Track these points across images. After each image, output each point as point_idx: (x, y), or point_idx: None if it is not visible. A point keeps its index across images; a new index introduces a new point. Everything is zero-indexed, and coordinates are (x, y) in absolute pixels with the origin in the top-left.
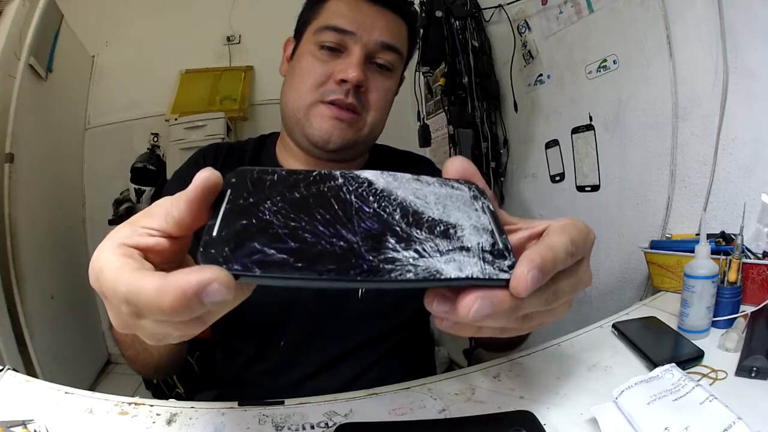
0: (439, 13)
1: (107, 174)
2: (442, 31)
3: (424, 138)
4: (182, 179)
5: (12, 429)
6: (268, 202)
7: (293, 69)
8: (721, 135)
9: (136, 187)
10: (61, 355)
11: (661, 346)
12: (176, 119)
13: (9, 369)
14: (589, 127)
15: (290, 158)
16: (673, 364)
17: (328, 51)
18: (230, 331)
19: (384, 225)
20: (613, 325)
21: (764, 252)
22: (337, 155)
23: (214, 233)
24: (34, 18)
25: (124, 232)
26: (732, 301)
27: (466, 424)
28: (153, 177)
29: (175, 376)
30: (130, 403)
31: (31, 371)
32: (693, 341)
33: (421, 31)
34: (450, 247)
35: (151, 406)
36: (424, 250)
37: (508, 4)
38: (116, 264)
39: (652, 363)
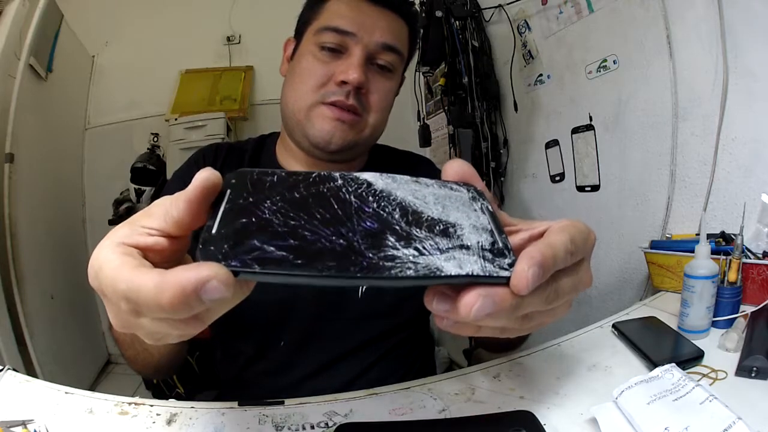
0: (439, 13)
1: (107, 174)
2: (442, 31)
3: (424, 138)
4: (182, 179)
5: (12, 429)
6: (268, 201)
7: (293, 69)
8: (721, 135)
9: (136, 187)
10: (61, 355)
11: (661, 346)
12: (176, 119)
13: (9, 369)
14: (589, 127)
15: (290, 158)
16: (673, 364)
17: (328, 52)
18: (230, 331)
19: (383, 224)
20: (613, 325)
21: (764, 252)
22: (337, 156)
23: (213, 231)
24: (34, 18)
25: (123, 231)
26: (732, 301)
27: (466, 424)
28: (153, 177)
29: (175, 376)
30: (130, 403)
31: (31, 371)
32: (693, 341)
33: (421, 31)
34: (450, 246)
35: (151, 406)
36: (424, 248)
37: (508, 4)
38: (115, 262)
39: (652, 363)
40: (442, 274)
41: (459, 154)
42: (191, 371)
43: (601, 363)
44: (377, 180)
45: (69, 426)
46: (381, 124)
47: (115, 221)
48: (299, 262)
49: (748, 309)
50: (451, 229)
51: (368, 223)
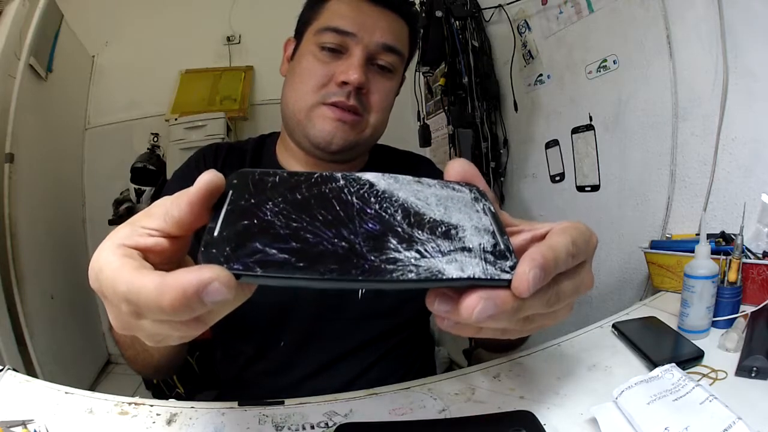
0: (439, 13)
1: (107, 174)
2: (442, 31)
3: (424, 138)
4: (182, 179)
5: (12, 429)
6: (270, 203)
7: (294, 70)
8: (721, 135)
9: (136, 187)
10: (61, 355)
11: (661, 346)
12: (176, 119)
13: (9, 369)
14: (589, 127)
15: (290, 158)
16: (673, 364)
17: (329, 52)
18: (230, 332)
19: (385, 226)
20: (613, 325)
21: (764, 252)
22: (338, 156)
23: (215, 233)
24: (34, 18)
25: (123, 232)
26: (732, 301)
27: (466, 424)
28: (153, 177)
29: (175, 376)
30: (130, 403)
31: (31, 371)
32: (693, 341)
33: (421, 31)
34: (452, 248)
35: (151, 406)
36: (426, 250)
37: (508, 4)
38: (116, 264)
39: (652, 363)
40: (444, 277)
41: (459, 154)
42: (191, 371)
43: (601, 363)
44: (379, 180)
45: (69, 426)
46: (382, 124)
47: (115, 221)
48: (301, 265)
49: (748, 309)
50: (453, 231)
51: (370, 225)
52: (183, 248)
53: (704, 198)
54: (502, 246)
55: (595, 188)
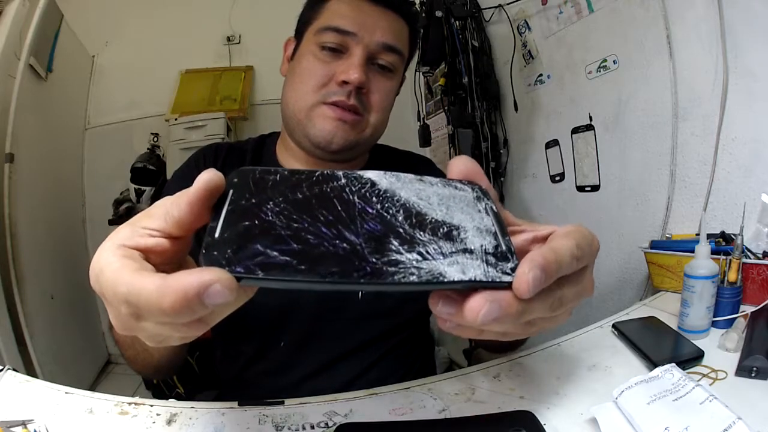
0: (439, 13)
1: (107, 174)
2: (442, 31)
3: (424, 138)
4: (182, 179)
5: (12, 429)
6: (271, 202)
7: (294, 69)
8: (721, 135)
9: (136, 187)
10: (61, 355)
11: (661, 346)
12: (176, 119)
13: (9, 369)
14: (589, 127)
15: (291, 158)
16: (673, 364)
17: (329, 52)
18: (231, 332)
19: (387, 226)
20: (613, 325)
21: (764, 252)
22: (338, 156)
23: (216, 235)
24: (34, 18)
25: (124, 233)
26: (732, 301)
27: (466, 424)
28: (153, 177)
29: (175, 376)
30: (130, 403)
31: (31, 371)
32: (693, 341)
33: (421, 31)
34: (453, 250)
35: (151, 406)
36: (428, 252)
37: (508, 4)
38: (116, 265)
39: (652, 363)
40: (445, 280)
41: (459, 154)
42: (191, 371)
43: (601, 363)
44: (381, 179)
45: (69, 426)
46: (382, 123)
47: (115, 221)
48: (302, 267)
49: (748, 309)
50: (454, 232)
51: (372, 226)
52: (184, 249)
53: (704, 198)
54: (504, 247)
55: (595, 188)
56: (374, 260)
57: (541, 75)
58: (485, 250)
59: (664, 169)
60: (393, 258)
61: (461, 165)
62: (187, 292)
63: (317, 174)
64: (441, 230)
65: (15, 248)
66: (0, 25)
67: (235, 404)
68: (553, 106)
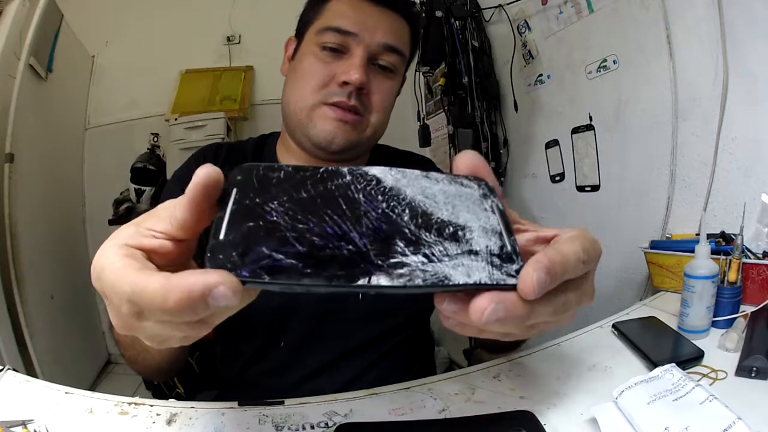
0: (439, 13)
1: (107, 174)
2: (442, 31)
3: (424, 138)
4: (182, 179)
5: (12, 429)
6: (275, 202)
7: (295, 69)
8: (721, 135)
9: (136, 187)
10: (61, 355)
11: (661, 346)
12: (176, 119)
13: (9, 369)
14: (589, 127)
15: (291, 158)
16: (673, 364)
17: (330, 52)
18: (231, 332)
19: (393, 227)
20: (613, 325)
21: (764, 252)
22: (339, 156)
23: (221, 236)
24: (34, 18)
25: (127, 232)
26: (732, 301)
27: (466, 424)
28: (153, 177)
29: (175, 376)
30: (130, 403)
31: (31, 371)
32: (693, 341)
33: (422, 31)
34: (458, 251)
35: (151, 406)
36: (433, 254)
37: (508, 4)
38: (119, 264)
39: (652, 363)
40: (450, 283)
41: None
42: (191, 371)
43: (601, 363)
44: (386, 176)
45: (69, 426)
46: (383, 124)
47: (115, 221)
48: (308, 271)
49: (748, 309)
50: (460, 232)
51: (377, 226)
52: (188, 252)
53: (704, 198)
54: (509, 248)
55: (595, 188)
56: (380, 263)
57: (541, 75)
58: (490, 251)
59: (664, 169)
60: (398, 260)
61: (467, 160)
62: (191, 291)
63: (322, 170)
64: (447, 230)
65: (15, 248)
66: (0, 25)
67: (235, 404)
68: (553, 106)
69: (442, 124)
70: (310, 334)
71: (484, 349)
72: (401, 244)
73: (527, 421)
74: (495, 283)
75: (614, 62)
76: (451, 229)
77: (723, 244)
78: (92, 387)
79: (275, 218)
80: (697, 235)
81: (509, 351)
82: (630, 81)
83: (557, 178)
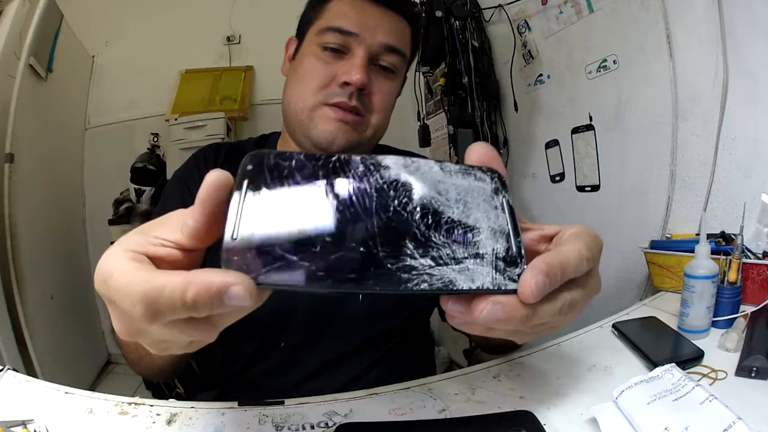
0: (439, 13)
1: (107, 174)
2: (442, 31)
3: (424, 138)
4: (182, 179)
5: (12, 429)
6: (288, 197)
7: (296, 69)
8: (721, 135)
9: (136, 187)
10: (61, 355)
11: (661, 346)
12: (176, 119)
13: (9, 369)
14: (589, 127)
15: None
16: (673, 364)
17: (331, 52)
18: (231, 332)
19: (403, 226)
20: (613, 325)
21: (764, 252)
22: None
23: (235, 234)
24: (34, 18)
25: (134, 240)
26: (732, 301)
27: (466, 424)
28: (153, 177)
29: None
30: (130, 403)
31: (31, 371)
32: (693, 341)
33: (422, 31)
34: (465, 255)
35: (151, 406)
36: (440, 257)
37: (508, 4)
38: (128, 267)
39: (652, 363)
40: (455, 288)
41: (459, 154)
42: (191, 371)
43: (601, 363)
44: (399, 169)
45: (69, 426)
46: (383, 124)
47: (115, 221)
48: (321, 274)
49: (748, 309)
50: (468, 234)
51: (388, 225)
52: (195, 263)
53: (704, 198)
54: (515, 250)
55: (595, 188)
56: (389, 265)
57: (541, 75)
58: (496, 254)
59: (664, 169)
60: (407, 263)
61: (480, 151)
62: (209, 287)
63: (334, 160)
64: (456, 232)
65: (15, 248)
66: (0, 25)
67: (235, 404)
68: (553, 106)
69: (442, 124)
70: (310, 334)
71: (483, 350)
72: (411, 246)
73: (527, 421)
74: (497, 288)
75: (614, 62)
76: (461, 230)
77: (723, 244)
78: (92, 387)
79: (288, 216)
80: (697, 235)
81: (509, 352)
82: (630, 81)
83: (557, 178)
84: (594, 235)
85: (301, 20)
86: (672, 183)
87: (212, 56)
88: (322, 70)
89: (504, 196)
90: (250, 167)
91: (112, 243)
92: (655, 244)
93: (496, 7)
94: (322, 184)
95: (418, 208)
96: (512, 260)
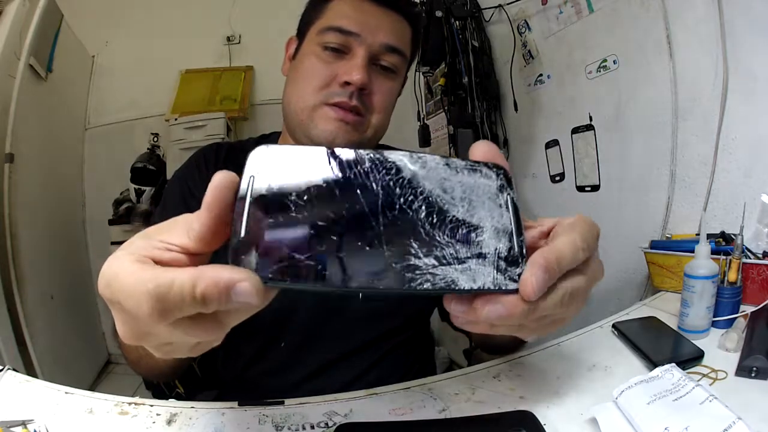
0: (439, 13)
1: (107, 174)
2: (442, 31)
3: (424, 138)
4: (183, 179)
5: (12, 429)
6: (293, 193)
7: (296, 69)
8: (721, 135)
9: (136, 187)
10: (61, 355)
11: (661, 346)
12: (176, 119)
13: (9, 369)
14: (589, 127)
15: None
16: (673, 364)
17: (331, 52)
18: (232, 332)
19: (408, 225)
20: (613, 325)
21: (764, 252)
22: None
23: (242, 233)
24: (34, 18)
25: (138, 244)
26: (732, 301)
27: (466, 424)
28: (153, 177)
29: None
30: (130, 403)
31: (31, 371)
32: (693, 341)
33: (422, 31)
34: (468, 254)
35: (151, 406)
36: (444, 257)
37: (508, 4)
38: (134, 267)
39: (652, 363)
40: (456, 288)
41: (458, 154)
42: (191, 371)
43: (601, 363)
44: (406, 166)
45: (69, 426)
46: (384, 124)
47: (115, 221)
48: (326, 273)
49: (748, 309)
50: (472, 234)
51: (394, 224)
52: None
53: (704, 198)
54: (516, 250)
55: (595, 188)
56: (394, 265)
57: (541, 75)
58: (498, 254)
59: (664, 169)
60: (411, 263)
61: (484, 149)
62: (218, 282)
63: (340, 155)
64: (460, 231)
65: (15, 248)
66: (0, 25)
67: (235, 404)
68: (553, 106)
69: (442, 124)
70: (311, 335)
71: (483, 350)
72: (415, 245)
73: (527, 421)
74: (497, 288)
75: (614, 62)
76: (464, 229)
77: (723, 244)
78: (92, 387)
79: (294, 213)
80: (697, 235)
81: (509, 353)
82: (630, 81)
83: (557, 178)
84: (590, 223)
85: (302, 20)
86: (672, 183)
87: (212, 56)
88: (323, 70)
89: (509, 194)
90: (255, 163)
91: (112, 243)
92: (655, 244)
93: (496, 7)
94: (328, 179)
95: (424, 207)
96: (514, 260)
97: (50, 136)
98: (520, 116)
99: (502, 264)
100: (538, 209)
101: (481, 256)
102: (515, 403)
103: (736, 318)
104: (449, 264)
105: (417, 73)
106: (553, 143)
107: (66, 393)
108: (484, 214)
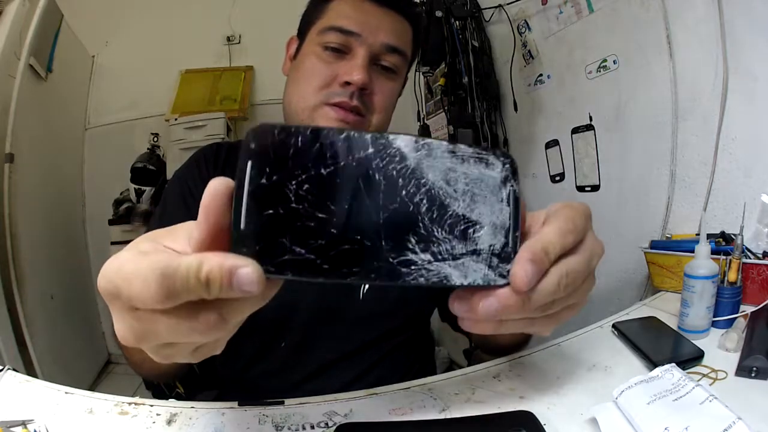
0: (439, 13)
1: (107, 174)
2: (442, 31)
3: None
4: (183, 179)
5: (12, 429)
6: (293, 181)
7: (297, 69)
8: (721, 135)
9: (136, 187)
10: (61, 355)
11: (661, 346)
12: (176, 119)
13: (9, 369)
14: (589, 127)
15: None
16: (673, 364)
17: (332, 52)
18: None
19: (408, 218)
20: (613, 325)
21: (764, 252)
22: None
23: (242, 226)
24: (34, 18)
25: (144, 245)
26: (732, 301)
27: (466, 424)
28: (153, 177)
29: None
30: (130, 403)
31: (31, 371)
32: (693, 341)
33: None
34: (463, 251)
35: (151, 406)
36: (440, 253)
37: (508, 4)
38: (138, 257)
39: (652, 363)
40: (448, 284)
41: None
42: (191, 371)
43: (601, 363)
44: (410, 153)
45: (69, 426)
46: (384, 124)
47: (115, 221)
48: (326, 267)
49: (748, 309)
50: (470, 230)
51: (394, 218)
52: None
53: (704, 198)
54: (510, 246)
55: (595, 188)
56: (391, 259)
57: (541, 75)
58: (492, 251)
59: (664, 169)
60: (408, 258)
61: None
62: (222, 265)
63: (342, 138)
64: (458, 227)
65: (15, 248)
66: (0, 25)
67: (235, 404)
68: (553, 106)
69: (442, 124)
70: (311, 335)
71: (483, 351)
72: (413, 240)
73: (527, 421)
74: (487, 284)
75: (614, 62)
76: (463, 225)
77: (723, 244)
78: (92, 387)
79: (294, 204)
80: (697, 235)
81: (509, 353)
82: (630, 81)
83: (557, 178)
84: (574, 206)
85: (303, 20)
86: (672, 183)
87: (212, 56)
88: (324, 70)
89: (512, 186)
90: (253, 146)
91: (112, 243)
92: (655, 244)
93: (496, 7)
94: (329, 165)
95: (425, 200)
96: (506, 257)
97: (50, 136)
98: (520, 116)
99: (495, 260)
100: (538, 209)
101: (475, 252)
102: (515, 403)
103: (736, 318)
104: (444, 260)
105: (417, 73)
106: (553, 143)
107: (66, 393)
108: (484, 210)
